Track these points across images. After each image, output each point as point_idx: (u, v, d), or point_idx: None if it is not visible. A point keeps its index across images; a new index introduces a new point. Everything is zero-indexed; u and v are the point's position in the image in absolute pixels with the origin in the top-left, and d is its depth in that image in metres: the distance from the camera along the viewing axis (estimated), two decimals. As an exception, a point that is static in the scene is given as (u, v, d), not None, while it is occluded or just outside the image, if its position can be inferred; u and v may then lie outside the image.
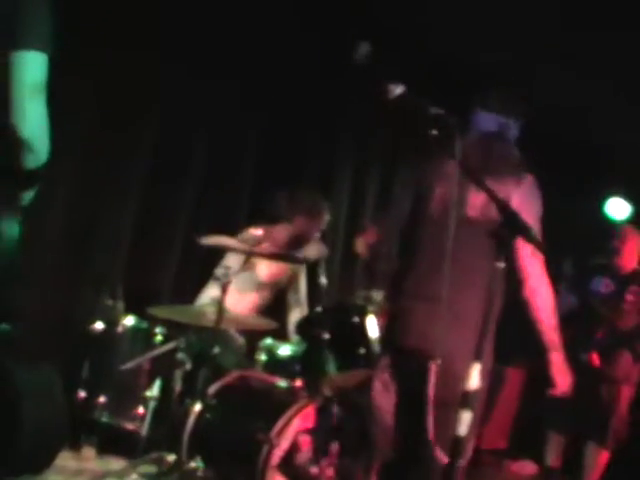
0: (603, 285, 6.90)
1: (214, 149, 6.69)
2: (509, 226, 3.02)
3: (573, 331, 6.65)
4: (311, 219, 5.87)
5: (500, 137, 4.13)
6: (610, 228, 7.45)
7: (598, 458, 6.74)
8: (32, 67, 2.68)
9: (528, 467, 7.12)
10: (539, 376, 7.20)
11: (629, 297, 6.74)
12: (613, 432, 6.68)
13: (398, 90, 3.20)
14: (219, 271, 5.32)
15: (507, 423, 7.97)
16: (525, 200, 3.90)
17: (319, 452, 4.60)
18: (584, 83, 7.43)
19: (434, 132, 3.14)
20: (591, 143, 8.34)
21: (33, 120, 2.71)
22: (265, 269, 5.95)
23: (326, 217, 5.97)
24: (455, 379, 3.43)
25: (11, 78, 2.66)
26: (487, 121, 4.16)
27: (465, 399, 3.00)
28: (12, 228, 2.64)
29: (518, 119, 4.22)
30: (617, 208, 8.19)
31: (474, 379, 2.99)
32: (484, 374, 3.16)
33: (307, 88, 6.89)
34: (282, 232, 5.91)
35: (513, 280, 3.87)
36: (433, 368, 3.76)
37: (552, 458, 6.98)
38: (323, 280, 5.13)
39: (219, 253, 5.70)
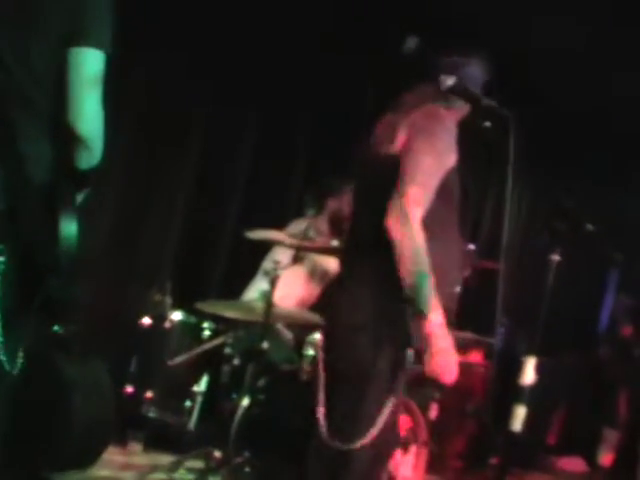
0: None
1: (262, 145, 6.68)
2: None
3: (630, 329, 6.62)
4: (339, 197, 5.81)
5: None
6: None
7: None
8: (90, 64, 2.67)
9: (577, 464, 7.03)
10: (592, 369, 7.24)
11: None
12: None
13: (450, 81, 3.14)
14: (268, 265, 5.26)
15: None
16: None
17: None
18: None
19: (487, 124, 3.08)
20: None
21: (90, 118, 2.69)
22: (313, 263, 5.90)
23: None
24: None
25: (69, 75, 2.65)
26: None
27: (519, 393, 2.93)
28: (72, 227, 2.63)
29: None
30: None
31: (529, 373, 2.93)
32: None
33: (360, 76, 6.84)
34: (323, 223, 5.87)
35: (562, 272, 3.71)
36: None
37: (604, 455, 6.92)
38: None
39: (266, 247, 5.66)
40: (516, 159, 3.18)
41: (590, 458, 6.98)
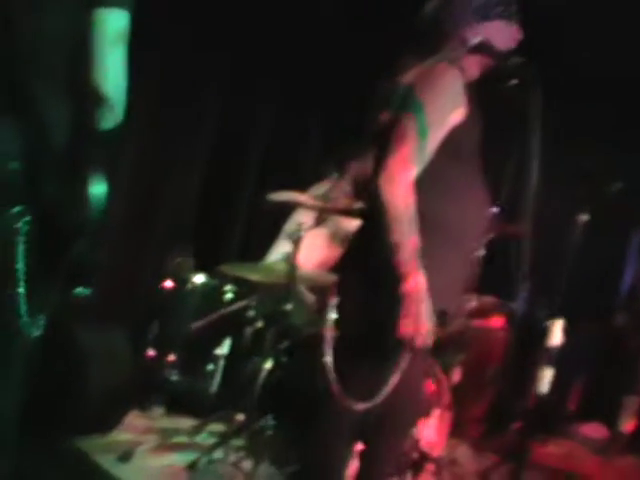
0: None
1: (281, 106, 6.63)
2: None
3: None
4: (362, 159, 5.75)
5: None
6: None
7: None
8: (114, 22, 2.64)
9: (599, 430, 6.99)
10: (613, 336, 7.19)
11: None
12: None
13: (476, 40, 3.08)
14: (291, 227, 5.23)
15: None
16: None
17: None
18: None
19: (513, 82, 3.02)
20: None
21: (114, 77, 2.66)
22: (335, 225, 5.85)
23: None
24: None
25: (93, 35, 2.62)
26: None
27: (546, 355, 2.89)
28: (99, 189, 2.61)
29: None
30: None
31: (556, 335, 2.89)
32: None
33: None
34: (346, 185, 5.82)
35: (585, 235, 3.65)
36: None
37: (626, 422, 6.87)
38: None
39: (288, 211, 5.61)
40: (541, 119, 3.12)
41: (611, 425, 6.94)
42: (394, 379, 3.04)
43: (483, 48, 3.15)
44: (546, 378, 2.93)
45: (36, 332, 2.61)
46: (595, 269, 7.41)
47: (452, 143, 3.12)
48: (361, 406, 3.08)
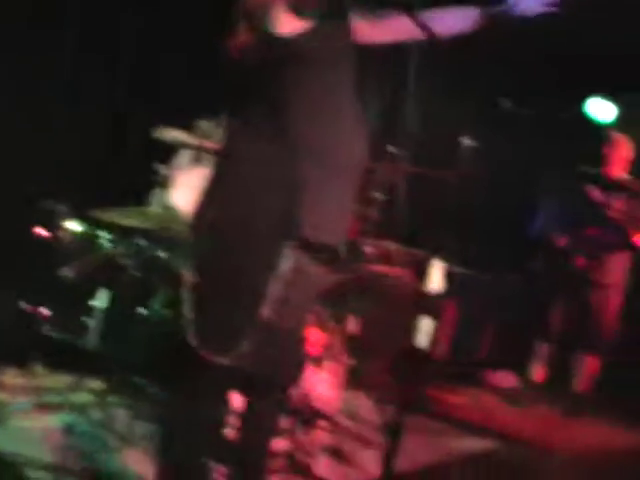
0: (592, 193, 6.70)
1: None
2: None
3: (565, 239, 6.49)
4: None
5: None
6: (594, 131, 7.41)
7: (587, 365, 6.68)
8: None
9: (508, 379, 6.88)
10: (524, 281, 7.06)
11: (618, 205, 6.62)
12: (603, 337, 6.63)
13: None
14: (167, 170, 4.89)
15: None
16: None
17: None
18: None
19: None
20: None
21: None
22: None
23: None
24: None
25: None
26: None
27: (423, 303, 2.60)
28: None
29: None
30: (600, 109, 7.72)
31: (434, 279, 2.60)
32: None
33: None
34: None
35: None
36: None
37: (536, 370, 6.81)
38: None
39: (172, 150, 5.28)
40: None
41: (522, 373, 6.87)
42: (253, 331, 2.77)
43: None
44: (425, 329, 2.61)
45: None
46: (504, 212, 7.29)
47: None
48: (220, 359, 2.80)
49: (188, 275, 2.96)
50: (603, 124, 7.57)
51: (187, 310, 2.93)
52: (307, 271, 2.93)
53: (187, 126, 5.11)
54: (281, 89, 2.93)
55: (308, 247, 2.90)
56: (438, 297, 2.71)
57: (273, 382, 3.19)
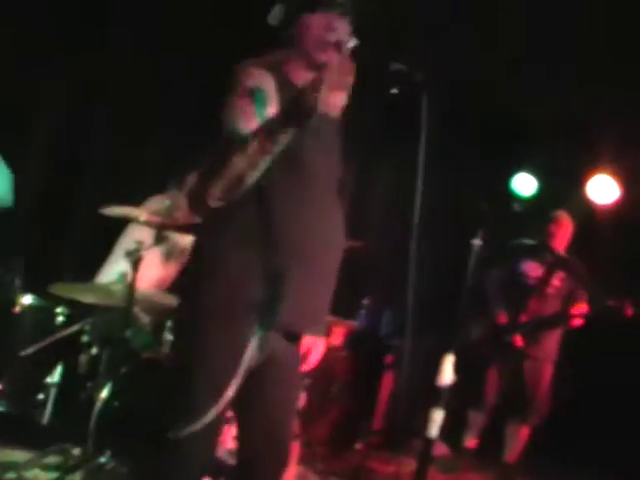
0: (531, 268, 6.93)
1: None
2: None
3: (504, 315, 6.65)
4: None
5: None
6: (518, 205, 7.61)
7: (519, 435, 6.80)
8: None
9: (440, 448, 6.96)
10: (459, 351, 7.17)
11: (555, 282, 6.84)
12: (536, 408, 6.77)
13: (350, 43, 2.85)
14: (128, 245, 4.89)
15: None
16: None
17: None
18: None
19: (395, 90, 2.80)
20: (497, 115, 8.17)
21: None
22: (172, 241, 5.55)
23: None
24: None
25: None
26: None
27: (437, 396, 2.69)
28: None
29: None
30: (524, 184, 7.94)
31: (447, 372, 2.69)
32: None
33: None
34: (183, 200, 5.56)
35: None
36: None
37: (469, 439, 6.92)
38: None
39: (123, 225, 5.31)
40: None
41: (455, 442, 6.95)
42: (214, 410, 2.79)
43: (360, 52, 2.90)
44: (437, 420, 2.71)
45: None
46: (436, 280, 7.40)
47: (288, 160, 2.88)
48: (184, 432, 2.80)
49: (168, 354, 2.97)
50: (525, 198, 7.79)
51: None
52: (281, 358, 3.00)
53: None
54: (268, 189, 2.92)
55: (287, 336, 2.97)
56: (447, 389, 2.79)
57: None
